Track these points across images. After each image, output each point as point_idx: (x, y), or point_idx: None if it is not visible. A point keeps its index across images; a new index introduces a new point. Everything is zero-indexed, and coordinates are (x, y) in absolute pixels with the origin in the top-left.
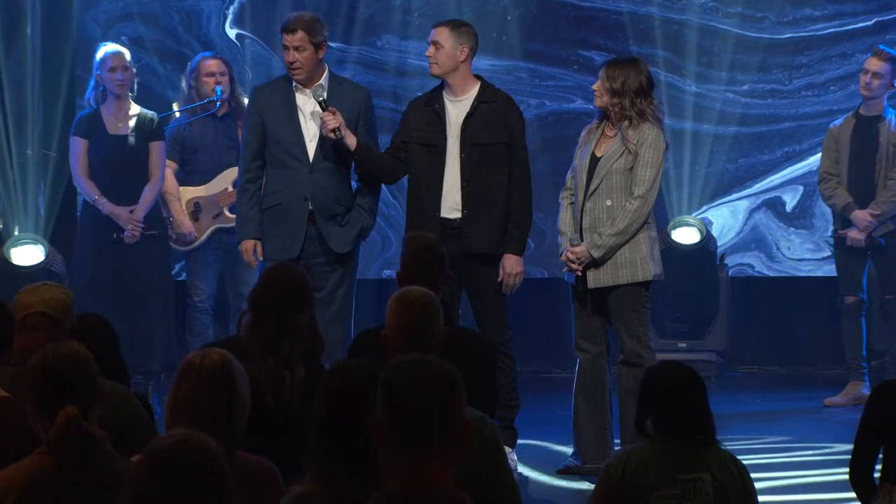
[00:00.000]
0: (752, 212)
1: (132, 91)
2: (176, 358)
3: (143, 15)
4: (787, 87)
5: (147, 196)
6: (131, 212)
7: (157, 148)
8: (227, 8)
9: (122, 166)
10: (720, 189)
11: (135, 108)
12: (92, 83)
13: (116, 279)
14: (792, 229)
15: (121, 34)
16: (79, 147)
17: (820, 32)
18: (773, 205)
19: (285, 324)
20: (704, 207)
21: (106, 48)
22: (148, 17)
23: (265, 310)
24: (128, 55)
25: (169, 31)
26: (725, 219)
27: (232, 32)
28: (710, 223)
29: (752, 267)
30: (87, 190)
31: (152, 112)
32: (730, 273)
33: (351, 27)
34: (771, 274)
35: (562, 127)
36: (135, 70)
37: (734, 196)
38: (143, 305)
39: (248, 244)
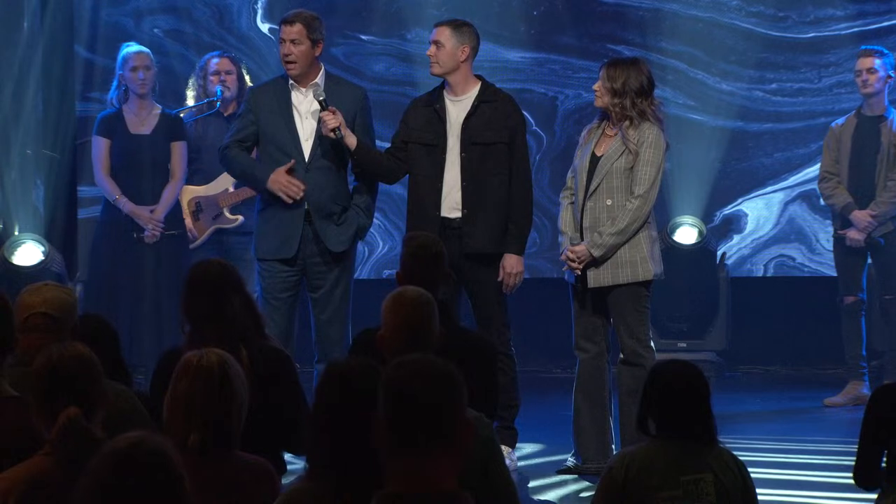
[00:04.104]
0: (786, 204)
1: (154, 91)
2: None
3: (175, 9)
4: (816, 84)
5: (168, 196)
6: (152, 212)
7: (178, 148)
8: (256, 3)
9: (143, 166)
10: (755, 182)
11: (157, 108)
12: (115, 83)
13: (135, 279)
14: (828, 221)
15: (153, 27)
16: (101, 146)
17: (844, 32)
18: (808, 197)
19: (217, 317)
20: (739, 200)
21: (128, 48)
22: (180, 10)
23: (194, 314)
24: (150, 55)
25: (202, 25)
26: (760, 211)
27: (264, 27)
28: (744, 213)
29: (793, 259)
30: (109, 189)
31: (175, 112)
32: (770, 265)
33: (381, 21)
34: (813, 266)
35: None
36: (156, 70)
37: (769, 189)
38: (159, 305)
39: (275, 177)
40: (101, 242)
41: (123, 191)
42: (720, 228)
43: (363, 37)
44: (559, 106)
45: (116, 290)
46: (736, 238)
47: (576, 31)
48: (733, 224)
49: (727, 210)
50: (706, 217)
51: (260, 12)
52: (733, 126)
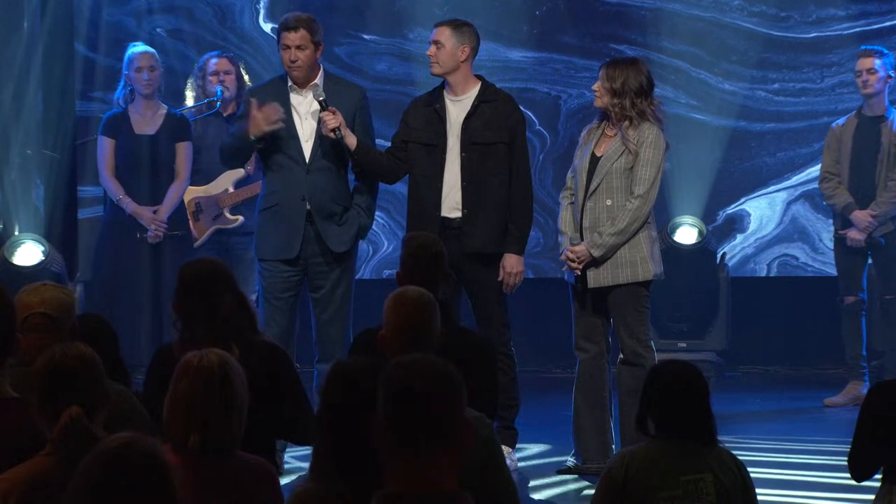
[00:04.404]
0: (789, 203)
1: (160, 91)
2: None
3: (177, 8)
4: (818, 84)
5: (172, 196)
6: (155, 212)
7: (183, 148)
8: (258, 3)
9: (147, 166)
10: (758, 182)
11: (163, 108)
12: (121, 83)
13: (137, 279)
14: (830, 220)
15: (156, 26)
16: (105, 146)
17: (846, 32)
18: (811, 196)
19: (208, 315)
20: (742, 199)
21: (134, 48)
22: (183, 10)
23: (186, 313)
24: (155, 55)
25: (204, 25)
26: (763, 210)
27: (267, 27)
28: (747, 213)
29: (796, 258)
30: (113, 189)
31: (180, 112)
32: (774, 264)
33: (384, 20)
34: (816, 265)
35: None
36: (162, 70)
37: (772, 188)
38: (161, 306)
39: (254, 121)
40: (105, 242)
41: (128, 191)
42: (723, 228)
43: (366, 36)
44: (562, 105)
45: (119, 290)
46: (739, 237)
47: (578, 30)
48: (736, 223)
49: (730, 209)
50: (709, 216)
51: (262, 12)
52: (736, 126)
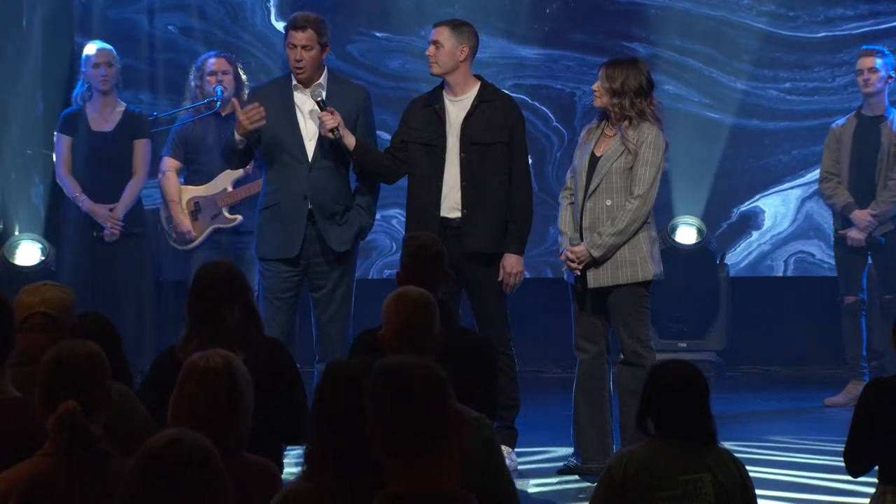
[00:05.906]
0: (804, 200)
1: (118, 88)
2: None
3: (189, 7)
4: (830, 84)
5: (128, 194)
6: (111, 210)
7: (141, 146)
8: (268, 1)
9: (104, 163)
10: (772, 179)
11: (121, 106)
12: (80, 81)
13: (96, 278)
14: None
15: (168, 24)
16: (62, 144)
17: (855, 31)
18: None
19: (214, 320)
20: (757, 196)
21: (92, 45)
22: (194, 8)
23: (193, 315)
24: (113, 52)
25: (216, 22)
26: (777, 207)
27: (279, 25)
28: (762, 210)
29: (812, 255)
30: (69, 187)
31: (140, 110)
32: (791, 261)
33: (396, 18)
34: (833, 261)
35: None
36: (119, 67)
37: (786, 185)
38: (120, 304)
39: (238, 123)
40: (66, 241)
41: (86, 188)
42: (738, 225)
43: (378, 34)
44: (577, 102)
45: (80, 289)
46: (755, 234)
47: (589, 27)
48: (751, 221)
49: (745, 207)
50: (724, 214)
51: (273, 11)
52: (749, 124)
